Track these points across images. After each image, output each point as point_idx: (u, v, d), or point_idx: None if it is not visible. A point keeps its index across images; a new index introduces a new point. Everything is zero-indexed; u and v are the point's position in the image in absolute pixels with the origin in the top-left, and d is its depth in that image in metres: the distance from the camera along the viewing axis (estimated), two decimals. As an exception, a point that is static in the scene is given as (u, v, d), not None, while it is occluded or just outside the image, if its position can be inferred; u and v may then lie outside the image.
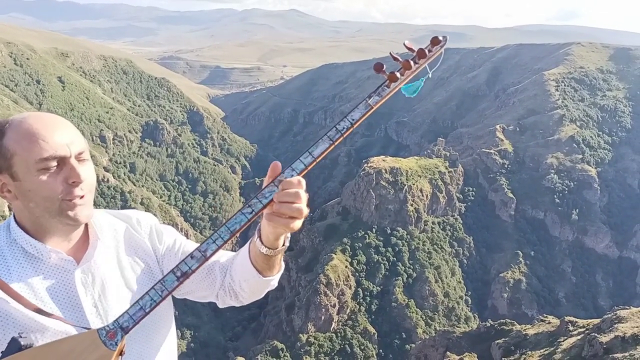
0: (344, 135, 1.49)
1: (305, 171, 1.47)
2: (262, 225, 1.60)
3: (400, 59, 1.52)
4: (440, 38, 1.56)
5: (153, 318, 1.56)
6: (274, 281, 1.82)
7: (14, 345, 1.40)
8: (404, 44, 1.58)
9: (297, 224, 1.49)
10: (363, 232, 72.07)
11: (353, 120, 1.50)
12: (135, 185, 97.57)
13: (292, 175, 1.45)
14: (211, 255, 1.47)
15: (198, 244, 1.87)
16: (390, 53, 1.59)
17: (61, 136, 1.53)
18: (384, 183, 75.51)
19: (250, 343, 66.95)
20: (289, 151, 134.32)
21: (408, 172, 78.41)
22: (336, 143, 1.47)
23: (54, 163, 1.51)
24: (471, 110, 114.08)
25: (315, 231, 74.35)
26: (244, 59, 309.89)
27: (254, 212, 1.45)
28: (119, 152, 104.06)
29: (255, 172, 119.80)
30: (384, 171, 76.80)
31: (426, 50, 1.52)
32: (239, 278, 1.81)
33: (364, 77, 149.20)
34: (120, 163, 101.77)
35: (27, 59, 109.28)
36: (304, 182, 1.48)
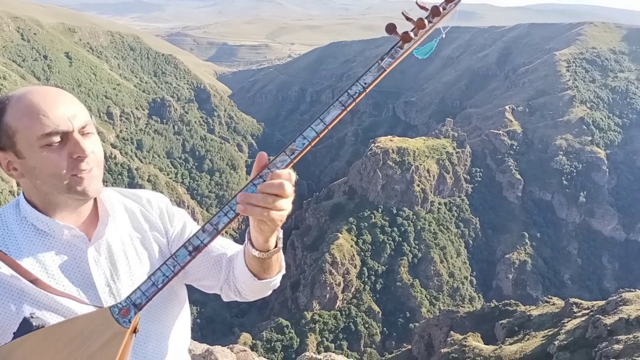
0: (357, 100, 1.41)
1: (318, 139, 1.41)
2: (250, 228, 1.52)
3: (413, 18, 1.45)
4: None
5: (165, 295, 1.52)
6: (273, 282, 1.74)
7: (26, 326, 1.39)
8: (416, 3, 1.48)
9: (275, 215, 1.39)
10: (369, 212, 72.19)
11: (365, 84, 1.41)
12: (142, 162, 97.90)
13: (303, 144, 1.40)
14: (223, 228, 1.40)
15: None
16: (402, 12, 1.48)
17: (63, 110, 1.47)
18: (390, 163, 75.32)
19: (255, 320, 67.79)
20: (295, 130, 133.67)
21: (415, 152, 78.12)
22: (348, 108, 1.40)
23: (57, 138, 1.46)
24: (480, 91, 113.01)
25: (321, 210, 74.57)
26: (251, 36, 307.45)
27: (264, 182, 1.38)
28: (126, 128, 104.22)
29: (261, 150, 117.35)
30: (391, 151, 76.55)
31: (440, 8, 1.45)
32: (239, 278, 1.75)
33: (373, 56, 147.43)
34: (127, 140, 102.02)
35: (35, 34, 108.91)
36: (294, 175, 1.41)
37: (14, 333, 1.40)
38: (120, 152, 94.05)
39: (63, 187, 1.50)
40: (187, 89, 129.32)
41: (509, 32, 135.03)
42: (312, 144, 1.42)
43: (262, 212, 1.38)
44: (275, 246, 1.57)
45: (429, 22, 1.44)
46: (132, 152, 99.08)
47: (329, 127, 1.41)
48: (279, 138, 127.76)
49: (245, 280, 1.70)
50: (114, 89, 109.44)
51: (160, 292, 1.43)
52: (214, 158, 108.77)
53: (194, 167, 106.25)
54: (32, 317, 1.41)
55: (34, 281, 1.47)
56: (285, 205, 1.40)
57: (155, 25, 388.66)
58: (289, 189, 1.38)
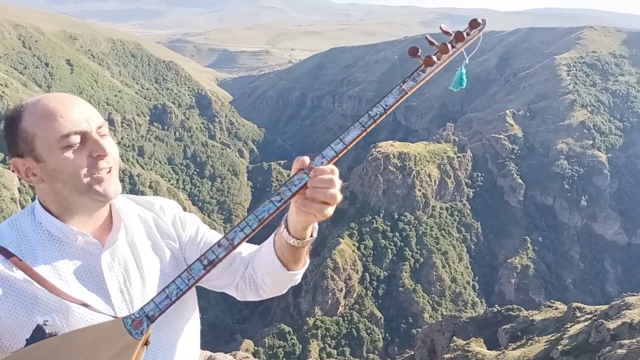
0: (377, 122, 1.42)
1: (337, 158, 1.43)
2: (289, 215, 1.55)
3: (436, 43, 1.46)
4: (480, 21, 1.49)
5: (178, 306, 1.50)
6: (298, 276, 1.76)
7: (39, 333, 1.38)
8: (440, 28, 1.49)
9: (330, 211, 1.45)
10: (370, 217, 72.13)
11: (387, 106, 1.42)
12: (143, 168, 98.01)
13: (322, 163, 1.42)
14: (239, 243, 1.43)
15: (218, 233, 1.85)
16: (426, 37, 1.50)
17: (79, 112, 1.51)
18: (392, 168, 75.31)
19: (257, 326, 67.62)
20: (296, 135, 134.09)
21: (416, 157, 78.12)
22: (368, 130, 1.42)
23: (77, 139, 1.49)
24: (481, 95, 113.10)
25: (323, 216, 74.46)
26: (252, 42, 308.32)
27: (283, 200, 1.41)
28: (128, 135, 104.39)
29: (262, 156, 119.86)
30: (392, 156, 76.57)
31: (464, 34, 1.46)
32: (262, 271, 1.76)
33: (373, 61, 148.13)
34: (128, 146, 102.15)
35: (36, 41, 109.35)
36: (336, 169, 1.45)
37: (26, 339, 1.39)
38: (122, 159, 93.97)
39: (84, 187, 1.52)
40: (188, 95, 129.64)
41: (508, 36, 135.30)
42: (331, 163, 1.43)
43: (321, 208, 1.43)
44: (311, 235, 1.61)
45: (452, 47, 1.45)
46: (133, 158, 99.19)
47: (349, 147, 1.42)
48: (279, 143, 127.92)
49: (271, 271, 1.71)
50: (115, 95, 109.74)
51: None
52: (215, 164, 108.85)
53: (196, 173, 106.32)
54: (45, 324, 1.41)
55: (48, 287, 1.47)
56: (338, 197, 1.44)
57: (156, 32, 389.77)
58: (337, 181, 1.44)
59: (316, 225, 1.60)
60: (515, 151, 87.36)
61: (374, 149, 79.25)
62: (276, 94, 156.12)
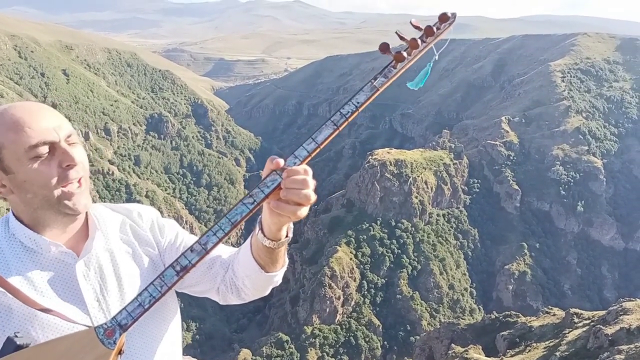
0: (349, 120, 1.44)
1: (309, 158, 1.41)
2: (263, 216, 1.53)
3: (407, 38, 1.44)
4: (449, 14, 1.47)
5: (154, 312, 1.49)
6: (277, 277, 1.75)
7: (10, 345, 1.35)
8: (411, 22, 1.48)
9: (304, 211, 1.44)
10: (368, 225, 72.07)
11: (358, 103, 1.44)
12: (140, 178, 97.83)
13: (294, 163, 1.41)
14: (212, 248, 1.40)
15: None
16: (396, 32, 1.48)
17: (47, 121, 1.48)
18: (388, 175, 75.38)
19: (255, 335, 67.30)
20: (293, 143, 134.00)
21: (413, 164, 78.22)
22: (341, 128, 1.43)
23: (45, 149, 1.46)
24: (476, 102, 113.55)
25: (320, 223, 74.41)
26: (248, 51, 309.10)
27: (255, 202, 1.39)
28: (124, 144, 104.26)
29: (259, 164, 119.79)
30: (388, 163, 76.65)
31: (434, 28, 1.44)
32: (242, 274, 1.75)
33: (369, 69, 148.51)
34: (125, 156, 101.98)
35: (32, 51, 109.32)
36: (310, 169, 1.43)
37: None
38: (118, 168, 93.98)
39: (54, 199, 1.50)
40: (185, 104, 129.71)
41: (503, 43, 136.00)
42: (303, 163, 1.42)
43: (294, 210, 1.41)
44: (287, 236, 1.59)
45: (423, 42, 1.43)
46: (129, 167, 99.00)
47: (321, 147, 1.42)
48: (276, 152, 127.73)
49: (250, 274, 1.71)
50: (112, 105, 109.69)
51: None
52: (212, 173, 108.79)
53: (192, 182, 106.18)
54: (16, 335, 1.37)
55: (22, 298, 1.45)
56: (312, 198, 1.42)
57: (152, 41, 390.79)
58: (311, 181, 1.41)
59: (291, 225, 1.58)
60: (511, 157, 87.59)
61: (370, 157, 79.33)
62: (272, 102, 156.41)
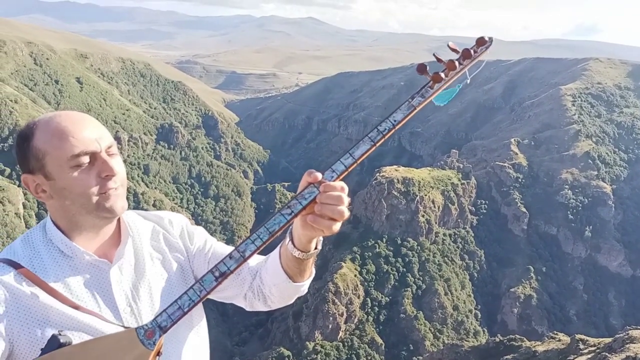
0: (386, 137, 1.46)
1: (346, 172, 1.45)
2: (294, 227, 1.58)
3: (444, 60, 1.48)
4: (486, 39, 1.52)
5: (188, 318, 1.54)
6: (304, 287, 1.81)
7: (54, 343, 1.40)
8: (448, 45, 1.52)
9: (337, 227, 1.49)
10: (373, 242, 71.86)
11: (395, 121, 1.45)
12: (148, 187, 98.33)
13: (332, 177, 1.45)
14: (249, 256, 1.45)
15: (226, 245, 1.92)
16: (434, 54, 1.53)
17: (90, 132, 1.55)
18: (395, 193, 75.30)
19: (256, 349, 66.87)
20: (301, 158, 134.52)
21: (420, 182, 78.13)
22: (377, 144, 1.45)
23: (86, 159, 1.52)
24: (486, 123, 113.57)
25: (325, 239, 72.29)
26: (260, 65, 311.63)
27: (293, 214, 1.43)
28: (134, 153, 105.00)
29: (267, 177, 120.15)
30: (396, 181, 76.62)
31: (471, 51, 1.49)
32: (269, 282, 1.80)
33: (379, 87, 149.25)
34: (134, 164, 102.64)
35: (47, 59, 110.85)
36: (346, 186, 1.48)
37: (41, 349, 1.41)
38: (127, 177, 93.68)
39: (92, 206, 1.56)
40: (195, 115, 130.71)
41: (514, 65, 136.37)
42: (340, 177, 1.46)
43: (329, 224, 1.47)
44: (316, 247, 1.66)
45: (460, 64, 1.49)
46: (138, 176, 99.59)
47: (358, 162, 1.45)
48: (284, 165, 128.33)
49: (277, 282, 1.75)
50: (123, 114, 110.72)
51: None
52: (220, 184, 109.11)
53: (200, 192, 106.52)
54: (60, 334, 1.42)
55: (61, 299, 1.52)
56: (346, 215, 1.48)
57: (165, 52, 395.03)
58: (346, 198, 1.48)
59: (321, 238, 1.65)
60: (520, 180, 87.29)
61: (378, 174, 79.35)
62: (282, 116, 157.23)
